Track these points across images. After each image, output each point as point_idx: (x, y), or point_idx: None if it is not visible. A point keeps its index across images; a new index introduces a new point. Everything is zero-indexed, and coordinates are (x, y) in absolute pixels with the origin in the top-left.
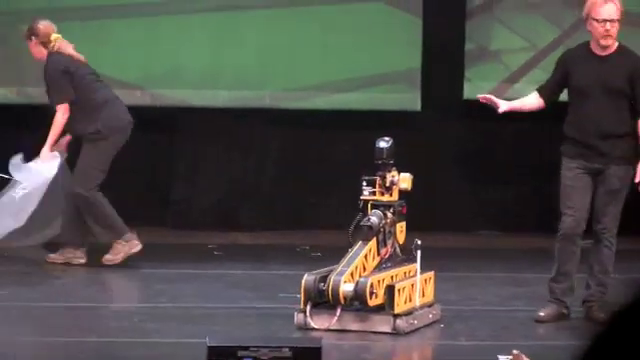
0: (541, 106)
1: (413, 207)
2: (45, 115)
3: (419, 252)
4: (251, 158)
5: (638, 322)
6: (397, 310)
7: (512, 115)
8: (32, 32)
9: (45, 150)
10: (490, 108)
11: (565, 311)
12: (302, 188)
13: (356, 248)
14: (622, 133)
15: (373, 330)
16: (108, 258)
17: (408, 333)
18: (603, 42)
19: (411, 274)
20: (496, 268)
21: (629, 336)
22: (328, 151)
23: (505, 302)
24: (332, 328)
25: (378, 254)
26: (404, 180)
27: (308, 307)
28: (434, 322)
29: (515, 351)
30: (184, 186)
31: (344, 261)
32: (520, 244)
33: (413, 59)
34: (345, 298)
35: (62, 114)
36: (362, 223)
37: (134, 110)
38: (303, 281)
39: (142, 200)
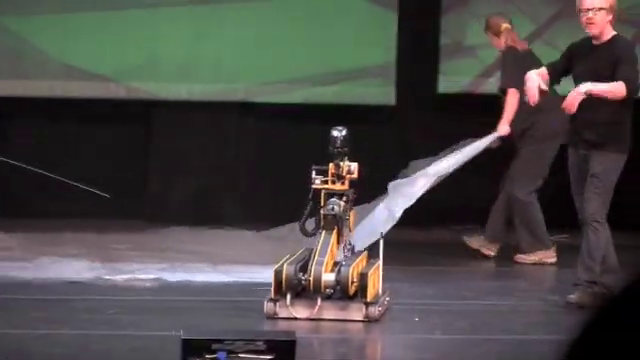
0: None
1: None
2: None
3: (381, 241)
4: (226, 152)
5: (623, 313)
6: (369, 298)
7: (485, 109)
8: (490, 29)
9: (503, 126)
10: (463, 103)
11: (594, 288)
12: (278, 182)
13: (323, 237)
14: (606, 121)
15: (346, 319)
16: (521, 257)
17: (378, 320)
18: (587, 30)
19: (364, 262)
20: (471, 262)
21: (614, 326)
22: (303, 145)
23: (480, 296)
24: (313, 317)
25: (337, 243)
26: (355, 169)
27: (289, 297)
28: (388, 309)
29: None
30: (159, 180)
31: (317, 251)
32: None
33: (388, 53)
34: (326, 287)
35: (513, 96)
36: (326, 213)
37: (107, 103)
38: (284, 270)
39: (117, 194)
